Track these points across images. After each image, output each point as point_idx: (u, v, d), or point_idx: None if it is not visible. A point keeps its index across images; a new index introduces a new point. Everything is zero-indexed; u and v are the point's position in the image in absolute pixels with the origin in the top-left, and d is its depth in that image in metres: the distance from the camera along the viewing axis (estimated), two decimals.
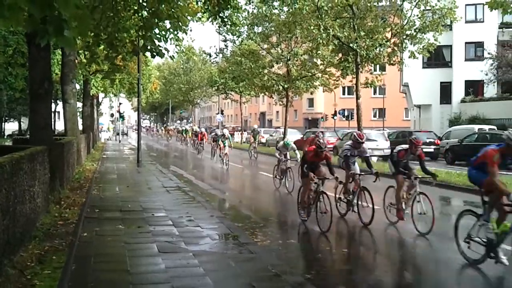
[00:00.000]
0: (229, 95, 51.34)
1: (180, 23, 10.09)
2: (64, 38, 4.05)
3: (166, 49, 10.21)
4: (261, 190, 16.76)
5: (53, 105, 30.73)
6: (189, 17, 10.77)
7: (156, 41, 10.04)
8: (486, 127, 28.34)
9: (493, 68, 37.01)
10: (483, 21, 38.62)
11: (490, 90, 38.00)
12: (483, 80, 37.77)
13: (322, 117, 58.49)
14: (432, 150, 27.69)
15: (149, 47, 9.89)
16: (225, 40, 37.70)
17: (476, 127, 28.20)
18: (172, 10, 9.65)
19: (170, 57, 10.85)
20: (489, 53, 36.81)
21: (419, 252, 8.56)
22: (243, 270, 6.58)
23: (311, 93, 42.01)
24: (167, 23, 10.60)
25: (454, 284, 6.95)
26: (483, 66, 36.91)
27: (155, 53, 9.93)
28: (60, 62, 19.98)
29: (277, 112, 73.29)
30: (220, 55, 41.76)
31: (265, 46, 35.01)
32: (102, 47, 11.10)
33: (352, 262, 7.99)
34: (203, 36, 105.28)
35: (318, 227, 9.48)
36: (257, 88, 37.89)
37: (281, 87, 33.74)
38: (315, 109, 67.30)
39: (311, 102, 67.49)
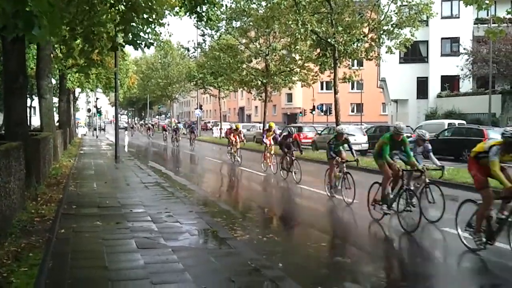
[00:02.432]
0: (208, 90, 51.12)
1: (156, 17, 10.00)
2: (35, 33, 3.98)
3: (151, 42, 10.09)
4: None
5: (28, 100, 30.30)
6: (166, 11, 10.67)
7: (142, 34, 9.90)
8: (456, 122, 28.75)
9: (469, 64, 37.57)
10: (458, 17, 39.17)
11: (466, 85, 38.61)
12: (459, 75, 38.34)
13: (300, 112, 58.73)
14: None
15: (130, 39, 9.71)
16: (203, 35, 37.52)
17: (446, 122, 28.59)
18: (149, 3, 9.54)
19: (145, 47, 10.68)
20: (464, 49, 37.35)
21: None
22: (223, 265, 6.58)
23: (290, 88, 42.07)
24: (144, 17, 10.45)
25: None
26: (459, 61, 37.46)
27: (137, 46, 9.77)
28: (35, 57, 19.62)
29: (256, 107, 73.33)
30: (199, 49, 41.55)
31: (244, 41, 34.95)
32: (79, 41, 10.93)
33: (333, 254, 8.05)
34: (181, 30, 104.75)
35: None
36: (235, 83, 37.83)
37: (259, 82, 33.75)
38: (294, 104, 67.52)
39: (289, 97, 67.69)
